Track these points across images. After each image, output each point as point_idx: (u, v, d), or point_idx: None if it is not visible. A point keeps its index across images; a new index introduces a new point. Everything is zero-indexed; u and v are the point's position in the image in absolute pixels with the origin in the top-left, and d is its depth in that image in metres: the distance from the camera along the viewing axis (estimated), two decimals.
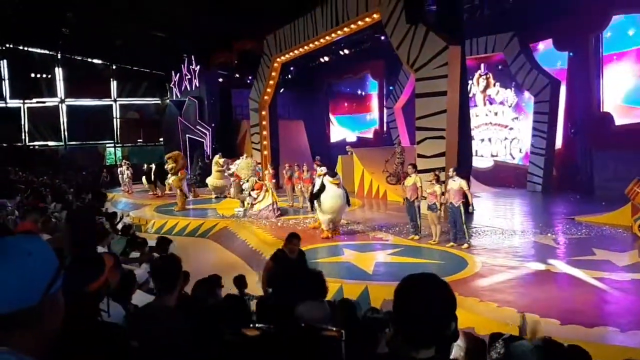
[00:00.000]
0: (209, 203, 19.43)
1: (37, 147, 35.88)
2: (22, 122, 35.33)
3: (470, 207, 10.68)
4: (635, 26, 16.24)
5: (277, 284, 5.83)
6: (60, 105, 35.78)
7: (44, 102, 35.57)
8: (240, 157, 17.94)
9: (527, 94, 19.61)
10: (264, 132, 24.35)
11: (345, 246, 11.12)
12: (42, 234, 6.21)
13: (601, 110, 17.39)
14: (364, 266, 9.34)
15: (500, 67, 20.81)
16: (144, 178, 23.78)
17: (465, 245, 10.51)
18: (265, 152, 24.00)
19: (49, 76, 35.49)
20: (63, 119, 35.94)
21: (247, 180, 15.97)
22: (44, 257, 1.31)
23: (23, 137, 35.38)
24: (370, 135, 28.27)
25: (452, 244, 10.65)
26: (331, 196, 11.67)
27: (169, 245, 7.58)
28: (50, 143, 36.33)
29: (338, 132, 31.20)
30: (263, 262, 10.87)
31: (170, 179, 18.47)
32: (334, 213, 11.80)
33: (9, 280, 1.22)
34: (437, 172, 11.55)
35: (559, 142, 18.88)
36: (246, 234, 13.35)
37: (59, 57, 35.29)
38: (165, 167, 18.72)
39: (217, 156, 19.77)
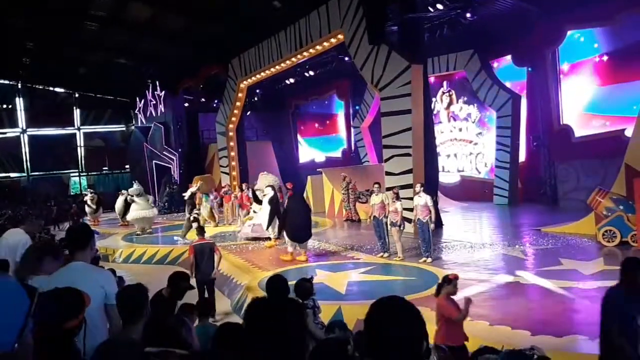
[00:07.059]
0: (177, 229, 19.08)
1: None
2: None
3: (432, 225, 10.82)
4: (589, 40, 16.82)
5: None
6: (21, 135, 35.03)
7: (4, 133, 34.76)
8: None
9: (489, 109, 20.03)
10: (232, 155, 24.25)
11: (317, 267, 11.07)
12: None
13: (561, 122, 17.88)
14: (337, 286, 9.28)
15: (462, 83, 21.27)
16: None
17: (429, 260, 10.69)
18: (234, 174, 23.88)
19: (10, 106, 34.75)
20: (25, 149, 35.16)
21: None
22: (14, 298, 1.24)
23: None
24: (339, 154, 28.41)
25: (423, 259, 10.76)
26: None
27: None
28: (12, 174, 35.45)
29: (307, 152, 31.28)
30: (235, 287, 10.76)
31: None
32: None
33: None
34: (396, 190, 11.66)
35: (522, 155, 19.28)
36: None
37: (20, 87, 34.64)
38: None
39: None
